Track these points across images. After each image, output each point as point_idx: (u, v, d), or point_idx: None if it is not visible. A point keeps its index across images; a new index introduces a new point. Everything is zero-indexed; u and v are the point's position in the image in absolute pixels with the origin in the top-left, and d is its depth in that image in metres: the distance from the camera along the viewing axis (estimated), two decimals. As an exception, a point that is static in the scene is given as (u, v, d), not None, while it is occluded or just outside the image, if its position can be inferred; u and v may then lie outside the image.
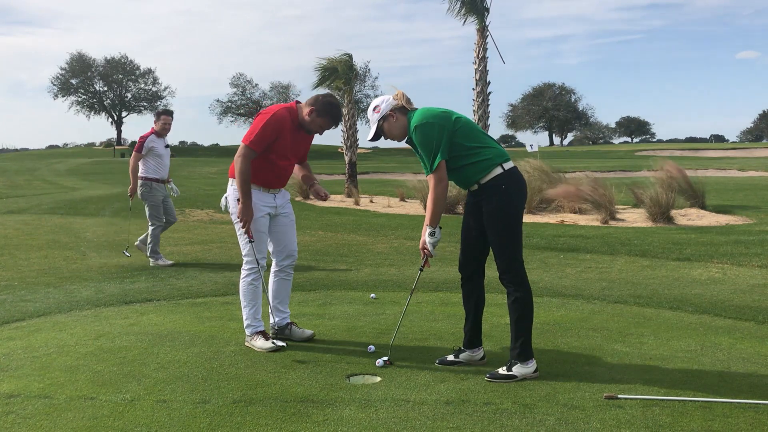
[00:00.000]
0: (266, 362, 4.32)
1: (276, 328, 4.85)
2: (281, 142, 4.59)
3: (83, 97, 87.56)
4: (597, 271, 7.84)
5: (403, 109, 4.21)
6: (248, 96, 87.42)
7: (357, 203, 17.90)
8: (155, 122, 8.63)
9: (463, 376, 4.04)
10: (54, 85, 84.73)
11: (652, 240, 10.17)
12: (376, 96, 4.37)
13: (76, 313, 5.80)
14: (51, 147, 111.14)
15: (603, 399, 3.62)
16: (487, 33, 19.67)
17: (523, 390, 3.80)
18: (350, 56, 21.37)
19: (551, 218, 13.59)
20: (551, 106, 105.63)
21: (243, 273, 4.74)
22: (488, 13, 19.59)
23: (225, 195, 4.83)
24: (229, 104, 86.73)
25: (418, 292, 6.48)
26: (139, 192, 8.53)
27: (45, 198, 19.72)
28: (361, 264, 8.48)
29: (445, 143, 4.01)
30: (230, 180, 4.78)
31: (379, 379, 4.02)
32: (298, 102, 4.72)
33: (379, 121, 4.22)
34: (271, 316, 4.87)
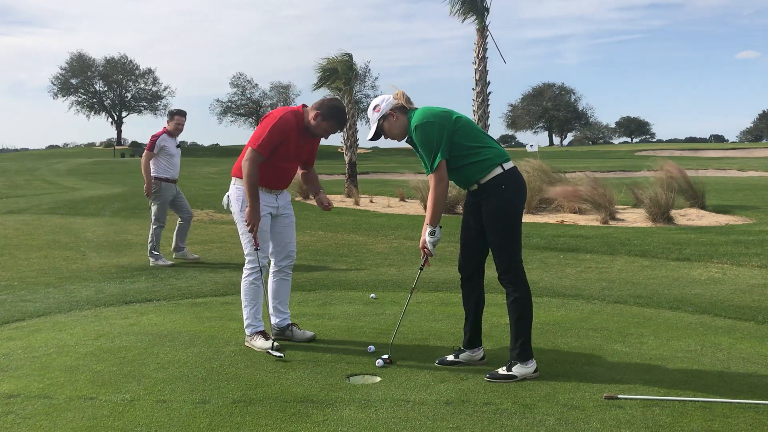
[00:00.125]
0: (266, 362, 4.32)
1: (276, 329, 4.85)
2: (286, 145, 4.62)
3: (83, 97, 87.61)
4: (597, 271, 7.84)
5: (403, 109, 4.21)
6: (248, 96, 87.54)
7: (357, 203, 17.90)
8: (168, 122, 8.62)
9: (463, 376, 4.04)
10: (54, 84, 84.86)
11: (652, 240, 10.17)
12: (376, 96, 4.37)
13: (76, 313, 5.80)
14: (51, 147, 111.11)
15: (603, 399, 3.62)
16: (487, 33, 19.66)
17: (523, 390, 3.80)
18: (350, 56, 21.38)
19: (551, 218, 13.59)
20: (551, 106, 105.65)
21: (245, 272, 4.76)
22: (488, 13, 19.59)
23: (227, 194, 4.84)
24: (229, 104, 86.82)
25: (418, 291, 6.48)
26: (144, 191, 8.52)
27: (45, 198, 19.72)
28: (361, 264, 8.48)
29: (446, 143, 4.01)
30: (233, 179, 4.80)
31: (379, 379, 4.02)
32: (304, 106, 4.73)
33: (379, 120, 4.22)
34: (272, 317, 4.87)
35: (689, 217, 13.45)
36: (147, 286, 7.01)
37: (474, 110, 19.73)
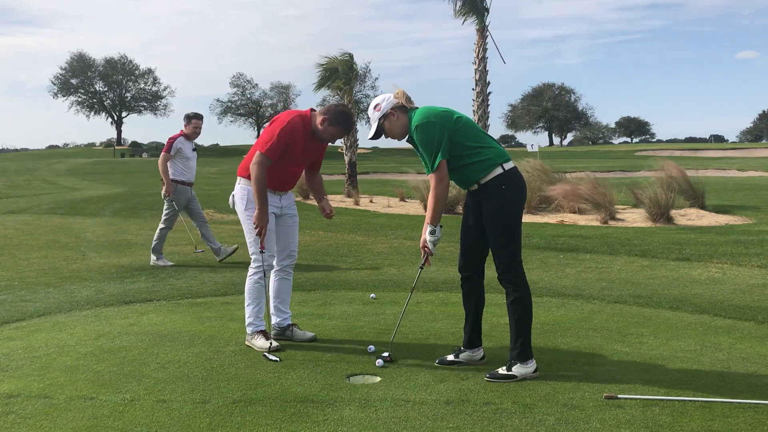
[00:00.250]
0: (266, 362, 4.32)
1: (277, 328, 4.86)
2: (293, 149, 4.65)
3: (83, 97, 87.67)
4: (597, 271, 7.84)
5: (403, 108, 4.22)
6: (248, 96, 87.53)
7: (357, 203, 17.90)
8: (185, 125, 8.60)
9: (463, 376, 4.04)
10: (54, 84, 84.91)
11: (652, 240, 10.17)
12: (377, 96, 4.38)
13: (76, 313, 5.80)
14: (51, 147, 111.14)
15: (603, 399, 3.62)
16: (487, 33, 19.69)
17: (523, 390, 3.80)
18: (351, 56, 21.36)
19: (551, 218, 13.59)
20: (551, 107, 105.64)
21: (250, 271, 4.78)
22: (488, 13, 19.62)
23: (232, 193, 4.88)
24: (229, 104, 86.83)
25: (418, 291, 6.49)
26: (163, 192, 8.52)
27: (45, 198, 19.72)
28: (361, 264, 8.48)
29: (446, 142, 4.02)
30: (238, 178, 4.83)
31: (379, 379, 4.02)
32: (312, 110, 4.75)
33: (380, 119, 4.23)
34: (272, 316, 4.88)
35: (689, 217, 13.46)
36: (147, 286, 7.01)
37: (474, 110, 19.74)
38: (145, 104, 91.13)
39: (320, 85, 21.69)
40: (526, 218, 12.34)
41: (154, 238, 8.49)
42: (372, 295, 6.40)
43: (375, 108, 4.24)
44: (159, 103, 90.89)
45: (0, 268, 8.17)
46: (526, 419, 3.38)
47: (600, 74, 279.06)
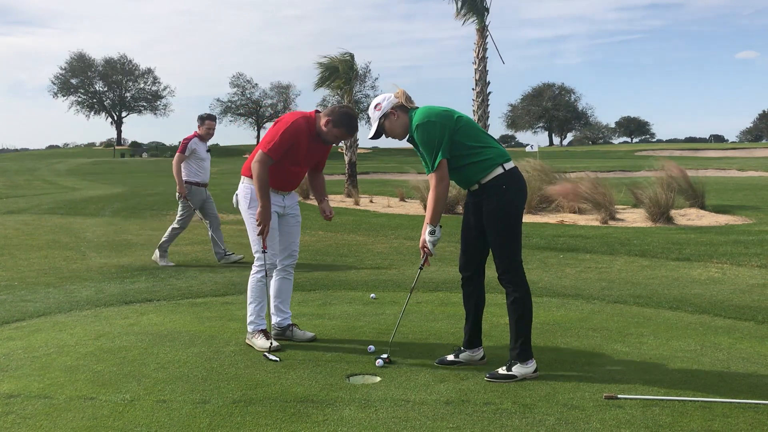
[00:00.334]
0: (266, 362, 4.32)
1: (277, 328, 4.87)
2: (296, 149, 4.67)
3: (83, 97, 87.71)
4: (596, 271, 7.84)
5: (404, 108, 4.21)
6: (248, 96, 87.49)
7: (357, 203, 17.90)
8: (199, 126, 8.62)
9: (463, 376, 4.04)
10: (54, 84, 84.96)
11: (652, 240, 10.17)
12: (377, 96, 4.38)
13: (76, 313, 5.80)
14: (51, 147, 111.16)
15: (603, 399, 3.62)
16: (487, 33, 19.68)
17: (523, 390, 3.80)
18: (352, 56, 21.35)
19: (551, 218, 13.59)
20: (551, 106, 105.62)
21: (254, 269, 4.80)
22: (488, 13, 19.61)
23: (236, 192, 4.89)
24: (229, 104, 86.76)
25: (418, 291, 6.49)
26: (177, 194, 8.51)
27: (45, 198, 19.72)
28: (361, 264, 8.48)
29: (447, 142, 4.01)
30: (242, 178, 4.85)
31: (379, 379, 4.02)
32: (317, 111, 4.76)
33: (380, 118, 4.23)
34: (273, 316, 4.89)
35: (689, 217, 13.46)
36: (147, 286, 7.01)
37: (474, 110, 19.74)
38: (145, 104, 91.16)
39: (320, 83, 21.68)
40: (526, 218, 12.34)
41: (164, 235, 8.49)
42: (372, 295, 6.40)
43: (375, 107, 4.24)
44: (159, 103, 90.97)
45: (0, 268, 8.17)
46: (526, 419, 3.38)
47: (600, 74, 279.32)
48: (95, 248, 9.84)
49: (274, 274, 4.91)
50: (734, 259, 8.45)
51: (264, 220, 4.59)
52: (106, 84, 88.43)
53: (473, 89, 19.75)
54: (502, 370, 4.02)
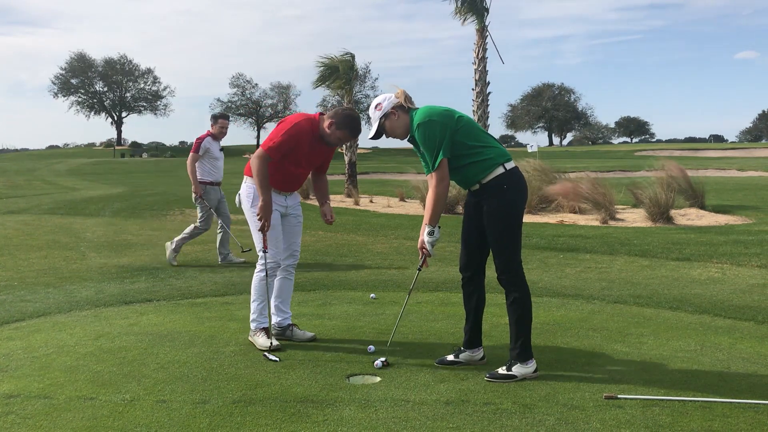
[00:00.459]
0: (266, 362, 4.32)
1: (278, 327, 4.88)
2: (298, 151, 4.68)
3: (83, 97, 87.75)
4: (596, 271, 7.84)
5: (404, 108, 4.21)
6: (248, 96, 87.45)
7: (357, 203, 17.90)
8: (212, 125, 8.61)
9: (463, 376, 4.04)
10: (54, 84, 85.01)
11: (652, 240, 10.17)
12: (377, 96, 4.38)
13: (76, 313, 5.80)
14: (51, 147, 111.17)
15: (603, 399, 3.62)
16: (487, 33, 19.67)
17: (523, 390, 3.80)
18: (352, 56, 21.35)
19: (551, 218, 13.59)
20: (551, 107, 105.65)
21: (258, 267, 4.82)
22: (488, 14, 19.60)
23: (239, 192, 4.91)
24: (229, 104, 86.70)
25: (418, 292, 6.49)
26: (193, 196, 8.51)
27: (45, 198, 19.72)
28: (361, 264, 8.48)
29: (447, 142, 4.01)
30: (245, 178, 4.87)
31: (379, 379, 4.02)
32: (321, 113, 4.77)
33: (380, 118, 4.22)
34: (273, 315, 4.90)
35: (689, 217, 13.46)
36: (147, 286, 7.01)
37: (474, 110, 19.73)
38: (145, 104, 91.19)
39: (320, 81, 21.67)
40: (526, 218, 12.30)
41: (185, 231, 8.49)
42: (372, 295, 6.40)
43: (376, 107, 4.24)
44: (159, 103, 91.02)
45: (0, 268, 8.16)
46: (526, 419, 3.38)
47: (600, 74, 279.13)
48: (95, 248, 9.83)
49: (276, 274, 4.92)
50: (734, 259, 8.45)
51: (265, 215, 4.59)
52: (106, 84, 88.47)
53: (473, 89, 19.75)
54: (502, 370, 4.02)
